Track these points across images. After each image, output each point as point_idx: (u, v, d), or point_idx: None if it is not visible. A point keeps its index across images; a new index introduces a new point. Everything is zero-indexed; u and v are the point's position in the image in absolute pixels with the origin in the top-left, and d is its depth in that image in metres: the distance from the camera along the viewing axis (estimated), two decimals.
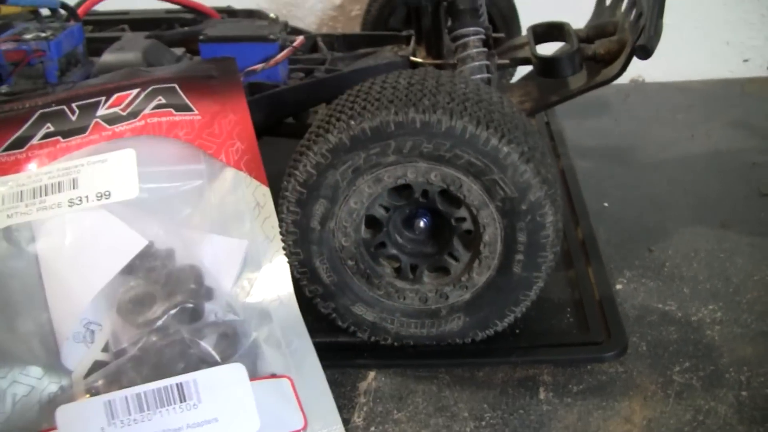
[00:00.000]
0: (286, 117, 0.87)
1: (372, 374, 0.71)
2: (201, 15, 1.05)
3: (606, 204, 0.94)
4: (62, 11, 0.93)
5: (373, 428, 0.66)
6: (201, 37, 0.88)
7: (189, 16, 1.05)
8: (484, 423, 0.66)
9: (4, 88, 0.85)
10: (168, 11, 1.08)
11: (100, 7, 0.97)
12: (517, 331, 0.73)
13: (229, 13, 1.08)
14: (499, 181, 0.64)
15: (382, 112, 0.64)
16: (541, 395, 0.68)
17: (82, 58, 0.90)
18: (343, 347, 0.72)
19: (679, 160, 1.05)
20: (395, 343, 0.73)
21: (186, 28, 1.00)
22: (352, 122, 0.64)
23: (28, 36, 0.87)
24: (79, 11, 0.95)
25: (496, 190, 0.65)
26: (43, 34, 0.87)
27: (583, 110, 0.99)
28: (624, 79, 0.86)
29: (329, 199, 0.67)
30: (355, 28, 1.31)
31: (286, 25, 0.97)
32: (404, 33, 0.98)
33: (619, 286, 0.80)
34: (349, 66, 0.91)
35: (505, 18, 1.10)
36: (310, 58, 0.94)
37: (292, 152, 0.68)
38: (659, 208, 0.94)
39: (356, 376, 0.71)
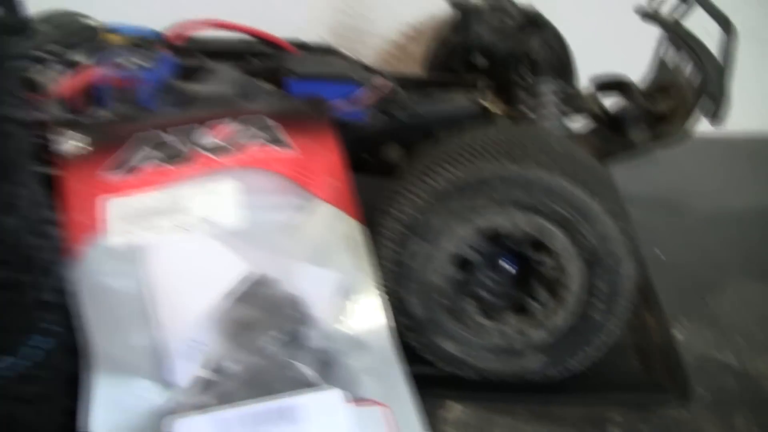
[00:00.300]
0: (365, 153, 0.92)
1: (453, 405, 0.76)
2: (278, 48, 1.09)
3: (658, 252, 0.98)
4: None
5: None
6: (290, 74, 0.93)
7: (266, 48, 1.09)
8: None
9: (105, 112, 0.89)
10: (243, 42, 1.11)
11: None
12: (587, 374, 0.77)
13: (301, 46, 1.11)
14: (584, 232, 0.69)
15: (484, 165, 0.69)
16: None
17: (174, 85, 0.95)
18: (426, 378, 0.75)
19: (725, 211, 1.11)
20: (475, 377, 0.77)
21: (268, 62, 1.04)
22: (457, 172, 0.70)
23: (128, 64, 0.92)
24: (171, 37, 1.01)
25: (581, 241, 0.70)
26: (142, 63, 0.92)
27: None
28: None
29: (426, 240, 0.72)
30: (415, 68, 1.35)
31: (363, 65, 1.02)
32: (475, 80, 1.02)
33: (677, 335, 0.85)
34: (424, 108, 0.96)
35: (561, 64, 1.14)
36: (389, 99, 0.98)
37: (379, 188, 0.75)
38: (709, 258, 0.99)
39: (438, 405, 0.76)
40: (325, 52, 1.12)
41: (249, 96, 0.92)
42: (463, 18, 0.95)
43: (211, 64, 1.01)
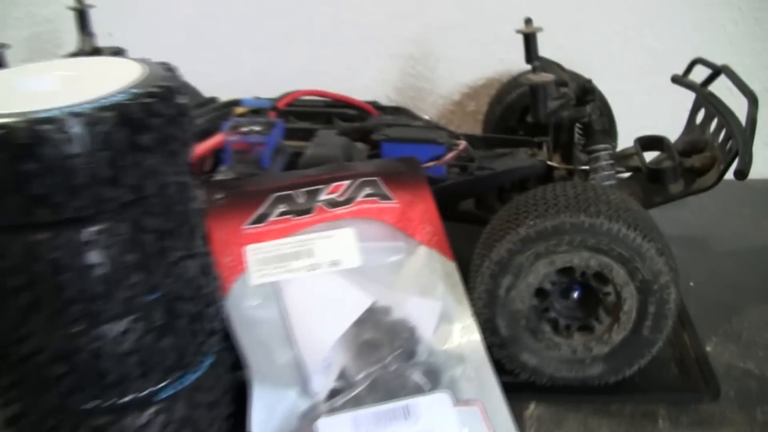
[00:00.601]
0: (445, 204, 1.03)
1: (532, 405, 0.89)
2: (360, 110, 1.25)
3: (691, 284, 1.12)
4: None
5: None
6: (383, 137, 1.09)
7: (350, 111, 1.25)
8: None
9: (224, 169, 1.03)
10: (329, 105, 1.28)
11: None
12: (636, 378, 0.92)
13: (378, 107, 1.26)
14: (639, 268, 0.83)
15: (561, 215, 0.84)
16: (660, 424, 0.88)
17: (282, 147, 1.10)
18: (510, 384, 0.86)
19: (746, 246, 1.26)
20: (549, 383, 0.90)
21: (356, 124, 1.19)
22: (538, 221, 0.85)
23: (245, 129, 1.06)
24: (279, 105, 1.17)
25: (636, 274, 0.83)
26: (258, 128, 1.06)
27: (662, 206, 1.12)
28: None
29: (514, 275, 0.86)
30: (470, 123, 1.51)
31: (435, 124, 1.19)
32: (536, 139, 1.17)
33: (708, 347, 0.99)
34: (493, 164, 1.11)
35: (609, 126, 1.28)
36: (463, 156, 1.11)
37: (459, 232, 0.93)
38: (733, 286, 1.13)
39: (520, 405, 0.87)
40: (397, 111, 1.27)
41: (351, 157, 1.06)
42: (533, 93, 1.04)
43: (314, 127, 1.16)
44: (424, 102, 1.53)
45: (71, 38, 1.44)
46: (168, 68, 0.74)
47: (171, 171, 0.71)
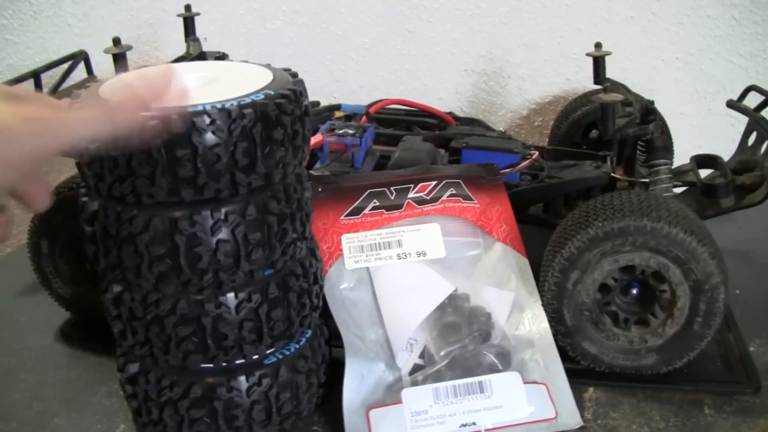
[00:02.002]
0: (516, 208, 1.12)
1: (591, 389, 0.95)
2: (440, 120, 1.36)
3: (737, 291, 1.18)
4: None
5: (599, 421, 0.90)
6: (464, 145, 1.19)
7: (430, 120, 1.36)
8: (670, 424, 0.93)
9: (320, 167, 1.14)
10: (409, 114, 1.39)
11: None
12: (685, 370, 1.00)
13: (455, 118, 1.37)
14: (693, 269, 0.89)
15: (626, 218, 0.93)
16: (706, 411, 0.92)
17: (371, 150, 1.21)
18: (572, 371, 0.94)
19: None
20: (607, 370, 0.96)
21: (437, 132, 1.30)
22: (606, 222, 0.94)
23: (340, 131, 1.17)
24: (371, 110, 1.28)
25: (690, 275, 0.90)
26: (351, 131, 1.17)
27: (713, 219, 1.17)
28: None
29: (582, 270, 0.92)
30: (537, 137, 1.60)
31: (507, 135, 1.29)
32: (600, 153, 1.25)
33: (751, 348, 1.07)
34: (561, 174, 1.20)
35: (668, 144, 1.34)
36: (535, 165, 1.20)
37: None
38: None
39: (580, 389, 0.94)
40: (473, 122, 1.37)
41: (435, 161, 1.17)
42: (603, 111, 1.13)
43: (398, 133, 1.27)
44: (494, 115, 1.61)
45: (168, 41, 1.61)
46: (293, 73, 0.85)
47: (294, 163, 0.82)
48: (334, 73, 1.57)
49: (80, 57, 1.29)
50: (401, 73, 1.57)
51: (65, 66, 1.25)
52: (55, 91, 1.24)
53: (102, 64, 1.33)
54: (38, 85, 1.16)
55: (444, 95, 1.63)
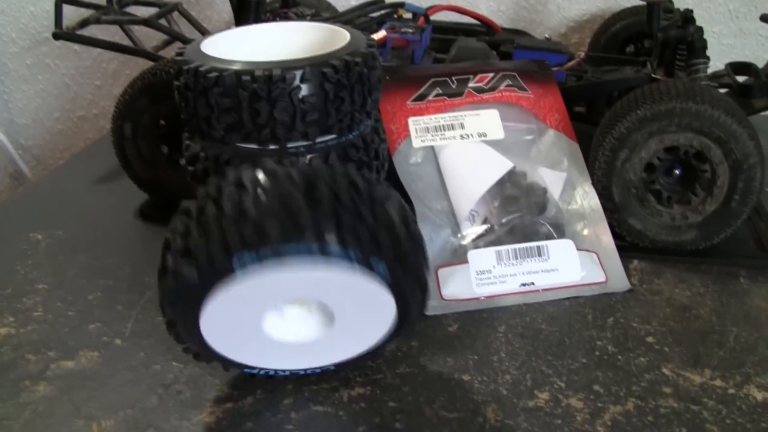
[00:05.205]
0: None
1: (636, 261, 1.03)
2: (488, 27, 1.45)
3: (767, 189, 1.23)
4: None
5: (644, 285, 0.97)
6: (515, 45, 1.28)
7: (479, 27, 1.45)
8: (710, 289, 1.01)
9: (382, 62, 1.16)
10: (459, 24, 1.48)
11: None
12: (722, 248, 1.08)
13: (503, 29, 1.45)
14: (733, 148, 0.95)
15: (673, 101, 1.01)
16: (741, 280, 1.03)
17: (428, 50, 1.29)
18: (618, 246, 1.02)
19: None
20: (650, 245, 1.03)
21: (486, 38, 1.39)
22: (654, 105, 1.02)
23: (403, 29, 1.25)
24: (429, 12, 1.35)
25: (730, 154, 0.96)
26: (411, 30, 1.25)
27: None
28: None
29: (630, 149, 0.99)
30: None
31: (556, 42, 1.37)
32: (641, 59, 1.34)
33: None
34: (604, 76, 1.28)
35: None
36: (577, 68, 1.30)
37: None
38: None
39: (626, 261, 1.01)
40: (518, 32, 1.46)
41: (489, 59, 1.26)
42: (649, 10, 1.21)
43: (449, 38, 1.34)
44: (534, 32, 1.64)
45: None
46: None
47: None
48: None
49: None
50: None
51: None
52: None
53: None
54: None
55: (487, 12, 1.65)
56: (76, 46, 1.68)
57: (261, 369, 0.76)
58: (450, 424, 0.75)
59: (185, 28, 1.34)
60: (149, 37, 1.31)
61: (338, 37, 0.91)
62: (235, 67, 0.85)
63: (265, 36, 1.01)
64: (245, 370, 0.76)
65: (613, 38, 1.55)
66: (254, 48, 0.94)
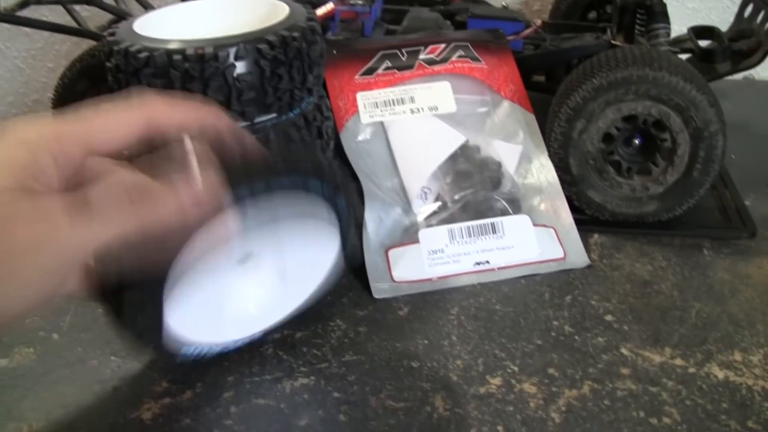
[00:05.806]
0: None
1: (596, 235, 1.01)
2: None
3: (733, 156, 1.24)
4: None
5: (604, 260, 0.95)
6: (469, 14, 1.24)
7: None
8: (672, 262, 0.99)
9: (331, 35, 1.19)
10: None
11: None
12: (685, 219, 1.06)
13: None
14: (693, 116, 0.94)
15: (629, 68, 0.98)
16: (705, 252, 1.02)
17: (379, 22, 1.25)
18: (577, 219, 1.00)
19: None
20: (610, 218, 1.02)
21: (441, 7, 1.35)
22: (610, 73, 0.99)
23: (351, 2, 1.21)
24: None
25: (690, 122, 0.94)
26: (361, 2, 1.20)
27: None
28: (738, 76, 1.24)
29: (586, 119, 0.97)
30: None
31: (513, 11, 1.33)
32: (600, 24, 1.31)
33: (747, 202, 1.12)
34: (562, 44, 1.25)
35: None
36: (534, 36, 1.27)
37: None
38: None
39: (586, 235, 1.00)
40: (475, 1, 1.41)
41: (442, 29, 1.22)
42: None
43: (403, 8, 1.31)
44: (494, 1, 1.59)
45: None
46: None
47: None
48: None
49: None
50: None
51: None
52: None
53: None
54: None
55: None
56: (27, 28, 1.63)
57: (215, 345, 0.76)
58: (396, 415, 0.73)
59: (135, 7, 1.27)
60: (101, 17, 1.24)
61: (278, 11, 0.88)
62: (167, 46, 0.82)
63: (203, 13, 0.98)
64: (193, 352, 0.74)
65: (574, 5, 1.52)
66: (191, 26, 0.91)
